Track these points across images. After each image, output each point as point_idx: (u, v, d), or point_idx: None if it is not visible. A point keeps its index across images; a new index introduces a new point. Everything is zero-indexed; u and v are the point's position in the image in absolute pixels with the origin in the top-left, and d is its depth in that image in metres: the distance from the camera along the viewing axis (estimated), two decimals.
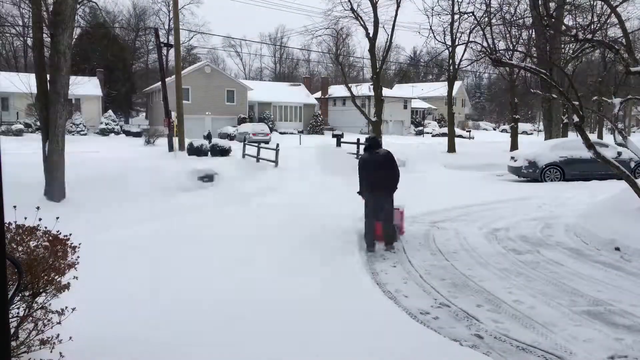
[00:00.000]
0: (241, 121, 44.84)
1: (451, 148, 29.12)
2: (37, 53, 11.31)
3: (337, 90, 53.75)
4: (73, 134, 36.72)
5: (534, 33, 22.58)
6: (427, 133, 54.92)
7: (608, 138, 28.18)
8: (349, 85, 30.39)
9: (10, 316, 2.86)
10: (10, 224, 3.55)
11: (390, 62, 59.41)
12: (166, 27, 62.90)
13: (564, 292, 5.72)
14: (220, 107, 45.79)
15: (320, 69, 76.45)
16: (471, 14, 24.98)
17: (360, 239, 8.00)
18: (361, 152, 22.03)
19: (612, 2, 10.92)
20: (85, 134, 38.59)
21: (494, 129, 65.95)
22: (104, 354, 3.91)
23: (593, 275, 6.40)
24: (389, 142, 27.99)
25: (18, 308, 3.41)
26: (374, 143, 8.00)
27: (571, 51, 20.96)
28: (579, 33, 9.82)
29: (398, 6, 26.53)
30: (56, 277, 3.57)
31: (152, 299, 5.27)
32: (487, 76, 63.91)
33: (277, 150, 18.30)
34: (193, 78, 44.26)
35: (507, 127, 49.15)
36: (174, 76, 25.48)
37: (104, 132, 40.26)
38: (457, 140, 31.23)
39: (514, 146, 27.39)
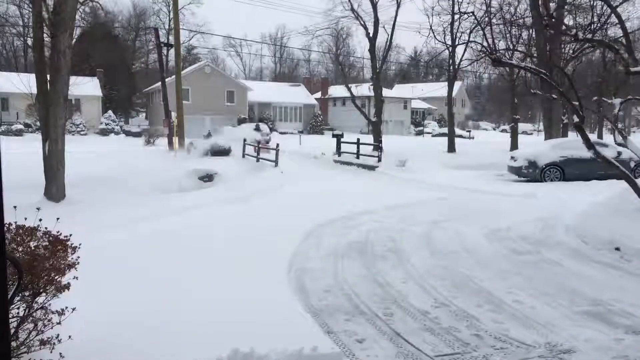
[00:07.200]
0: (241, 121, 44.73)
1: (451, 148, 29.08)
2: (37, 53, 11.32)
3: (337, 91, 53.67)
4: (73, 134, 36.67)
5: (534, 33, 22.60)
6: (427, 133, 54.83)
7: (608, 138, 28.12)
8: (349, 85, 30.34)
9: (10, 316, 2.85)
10: (10, 224, 3.55)
11: (391, 62, 59.40)
12: (166, 27, 62.77)
13: (564, 292, 5.72)
14: (220, 107, 45.73)
15: (320, 69, 76.41)
16: (471, 14, 25.01)
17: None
18: (362, 151, 21.75)
19: (612, 2, 10.93)
20: (85, 134, 38.56)
21: (494, 129, 65.89)
22: (103, 354, 3.91)
23: (593, 275, 6.40)
24: (389, 142, 27.98)
25: (18, 308, 3.41)
26: None
27: (571, 51, 20.99)
28: (579, 33, 9.83)
29: (398, 6, 26.53)
30: (56, 277, 3.57)
31: (152, 299, 5.27)
32: (487, 76, 63.80)
33: (277, 150, 18.30)
34: (193, 78, 44.21)
35: (507, 127, 49.11)
36: (174, 76, 25.50)
37: (104, 132, 40.24)
38: (457, 140, 31.16)
39: (514, 146, 27.36)
